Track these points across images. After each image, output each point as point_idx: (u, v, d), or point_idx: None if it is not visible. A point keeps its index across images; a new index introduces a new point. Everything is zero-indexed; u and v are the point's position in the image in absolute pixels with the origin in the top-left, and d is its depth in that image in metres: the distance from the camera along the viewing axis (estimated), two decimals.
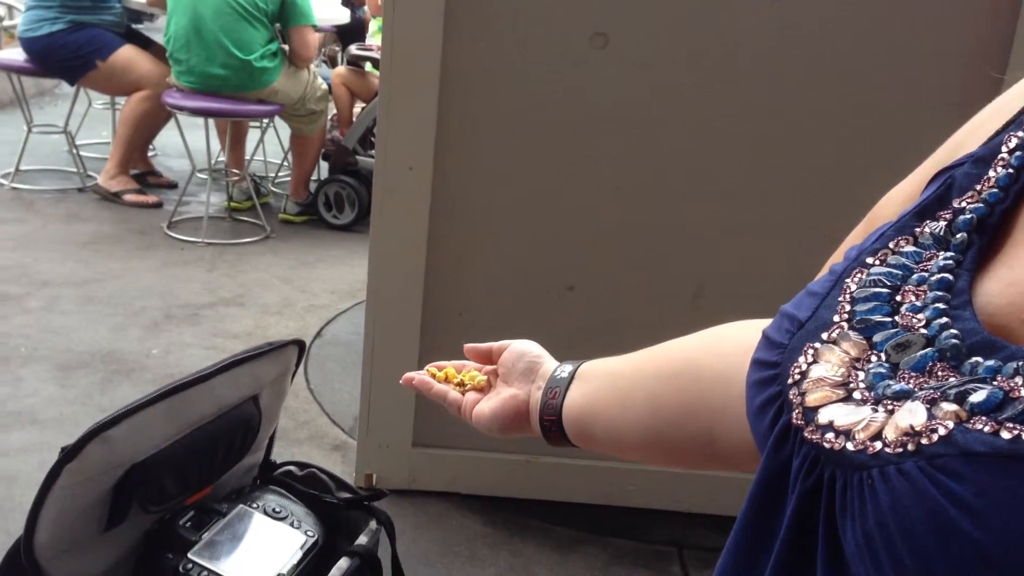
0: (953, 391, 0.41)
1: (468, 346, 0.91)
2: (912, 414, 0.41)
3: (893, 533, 0.39)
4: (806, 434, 0.46)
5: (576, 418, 0.79)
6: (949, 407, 0.40)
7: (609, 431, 0.77)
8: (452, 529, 2.39)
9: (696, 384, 0.69)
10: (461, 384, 0.88)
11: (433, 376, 0.89)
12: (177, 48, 4.12)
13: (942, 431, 0.40)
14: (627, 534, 2.42)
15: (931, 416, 0.41)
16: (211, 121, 4.39)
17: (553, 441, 0.82)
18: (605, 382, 0.78)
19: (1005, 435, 0.38)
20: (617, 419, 0.76)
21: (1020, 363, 0.40)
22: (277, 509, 1.31)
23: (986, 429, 0.38)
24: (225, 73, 4.11)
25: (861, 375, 0.46)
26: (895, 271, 0.48)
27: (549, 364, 0.85)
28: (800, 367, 0.48)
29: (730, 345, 0.58)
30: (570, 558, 2.33)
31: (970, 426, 0.39)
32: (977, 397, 0.40)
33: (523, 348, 0.87)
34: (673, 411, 0.71)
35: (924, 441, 0.40)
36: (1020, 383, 0.39)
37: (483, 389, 0.87)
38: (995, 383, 0.40)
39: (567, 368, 0.82)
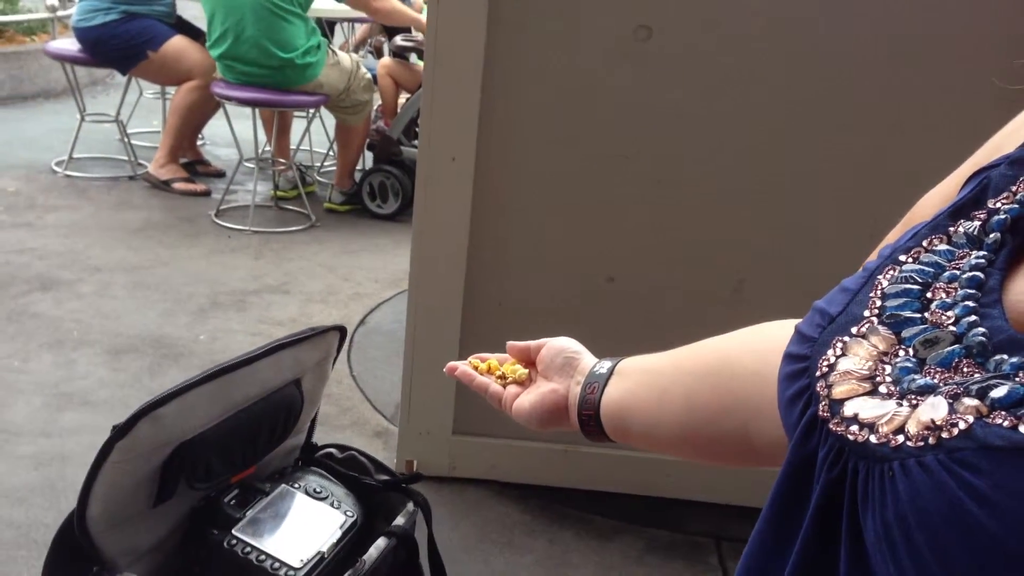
0: (975, 387, 0.41)
1: (511, 344, 0.92)
2: (934, 408, 0.42)
3: (911, 524, 0.40)
4: (831, 426, 0.47)
5: (614, 413, 0.80)
6: (971, 402, 0.41)
7: (646, 427, 0.77)
8: (490, 516, 2.41)
9: (732, 382, 0.70)
10: (503, 377, 0.89)
11: (475, 368, 0.91)
12: (220, 53, 4.18)
13: (962, 425, 0.40)
14: (665, 524, 2.42)
15: (952, 411, 0.41)
16: (258, 111, 4.45)
17: (591, 436, 0.82)
18: (643, 378, 0.79)
19: (1023, 429, 0.38)
20: (654, 415, 0.76)
21: None
22: (318, 489, 1.34)
23: (1005, 424, 0.39)
24: (269, 73, 4.15)
25: (888, 369, 0.46)
26: (927, 268, 0.49)
27: (588, 360, 0.85)
28: (828, 360, 0.49)
29: (768, 343, 0.59)
30: (607, 547, 2.34)
31: (990, 421, 0.39)
32: (998, 392, 0.40)
33: (562, 344, 0.88)
34: (709, 408, 0.72)
35: (944, 435, 0.41)
36: None
37: (524, 383, 0.88)
38: (1017, 379, 0.40)
39: (606, 364, 0.83)
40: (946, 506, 0.39)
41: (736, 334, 0.73)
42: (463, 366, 0.92)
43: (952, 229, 0.50)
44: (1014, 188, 0.49)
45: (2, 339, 3.04)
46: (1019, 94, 0.54)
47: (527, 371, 0.89)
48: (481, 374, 0.90)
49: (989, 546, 0.37)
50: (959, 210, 0.50)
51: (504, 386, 0.89)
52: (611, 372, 0.81)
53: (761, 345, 0.67)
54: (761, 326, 0.72)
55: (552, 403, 0.84)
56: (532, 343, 0.90)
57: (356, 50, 6.08)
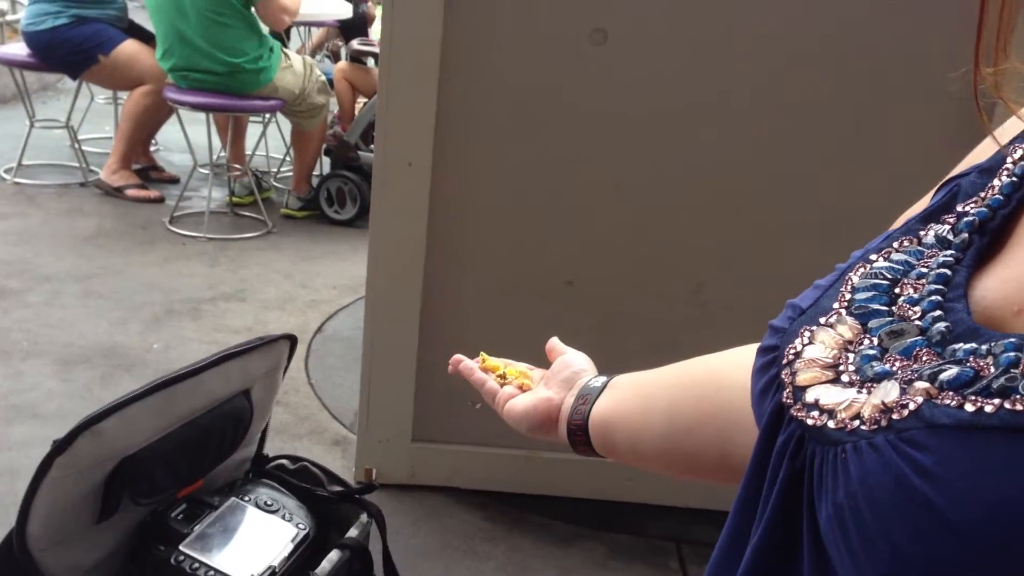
0: (928, 371, 0.42)
1: (553, 339, 0.93)
2: (886, 392, 0.43)
3: (860, 503, 0.41)
4: (793, 412, 0.47)
5: (601, 425, 0.81)
6: (921, 385, 0.42)
7: (629, 439, 0.78)
8: (451, 524, 2.39)
9: (715, 394, 0.70)
10: (502, 377, 0.90)
11: (483, 362, 0.92)
12: (169, 61, 4.13)
13: (912, 406, 0.41)
14: (626, 529, 2.42)
15: (903, 393, 0.42)
16: (212, 116, 4.39)
17: (579, 448, 0.83)
18: (631, 391, 0.80)
19: (969, 408, 0.39)
20: (637, 427, 0.77)
21: (992, 344, 0.41)
22: (269, 502, 1.31)
23: (952, 403, 0.40)
24: (222, 79, 4.11)
25: (852, 357, 0.47)
26: (896, 266, 0.50)
27: (588, 376, 0.87)
28: (795, 348, 0.50)
29: (752, 359, 0.59)
30: (569, 552, 2.33)
31: (939, 402, 0.41)
32: (947, 375, 0.41)
33: (574, 359, 0.89)
34: (690, 419, 0.72)
35: (895, 416, 0.42)
36: (991, 362, 0.41)
37: (523, 388, 0.89)
38: (968, 364, 0.41)
39: (601, 378, 0.84)
40: (893, 482, 0.40)
41: (728, 352, 0.74)
42: (467, 361, 0.93)
43: (922, 232, 0.51)
44: (983, 194, 0.50)
45: None
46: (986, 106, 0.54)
47: (530, 376, 0.90)
48: (483, 370, 0.92)
49: (933, 519, 0.38)
50: (929, 215, 0.52)
51: (501, 385, 0.90)
52: (604, 386, 0.83)
53: (746, 360, 0.68)
54: (752, 346, 0.72)
55: (545, 411, 0.85)
56: (559, 346, 0.92)
57: (313, 54, 6.03)
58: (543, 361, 0.92)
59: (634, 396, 0.79)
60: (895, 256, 0.51)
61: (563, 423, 0.84)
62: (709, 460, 0.71)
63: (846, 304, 0.50)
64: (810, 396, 0.47)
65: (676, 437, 0.73)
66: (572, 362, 0.88)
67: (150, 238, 4.11)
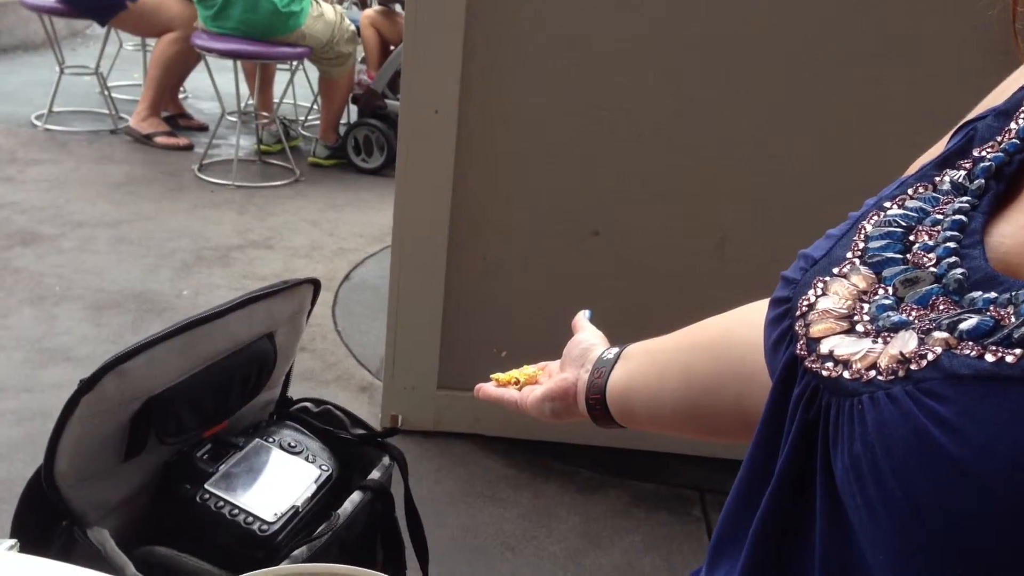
0: (946, 321, 0.41)
1: (579, 315, 0.94)
2: (904, 342, 0.42)
3: (878, 454, 0.40)
4: (808, 364, 0.47)
5: (619, 395, 0.81)
6: (940, 335, 0.41)
7: (648, 405, 0.79)
8: (476, 470, 2.42)
9: (728, 352, 0.71)
10: (516, 382, 0.92)
11: (497, 381, 0.94)
12: (211, 14, 4.12)
13: (930, 357, 0.41)
14: (649, 477, 2.44)
15: (922, 343, 0.41)
16: (240, 63, 4.39)
17: (599, 421, 0.83)
18: (645, 359, 0.80)
19: (989, 358, 0.38)
20: (654, 393, 0.78)
21: (1013, 293, 0.40)
22: (292, 444, 1.33)
23: (972, 354, 0.39)
24: (250, 26, 4.09)
25: (866, 307, 0.46)
26: (911, 214, 0.49)
27: (600, 350, 0.87)
28: (808, 299, 0.49)
29: (763, 316, 0.59)
30: (592, 500, 2.35)
31: (958, 352, 0.40)
32: (967, 325, 0.40)
33: (583, 336, 0.89)
34: (706, 380, 0.73)
35: (913, 367, 0.41)
36: (1011, 312, 0.40)
37: (538, 383, 0.91)
38: (988, 313, 0.40)
39: (614, 350, 0.84)
40: (911, 434, 0.39)
41: (736, 311, 0.74)
42: (486, 387, 0.95)
43: (938, 178, 0.50)
44: (999, 138, 0.49)
45: None
46: (1007, 58, 0.52)
47: (543, 372, 0.92)
48: (501, 386, 0.94)
49: (952, 470, 0.37)
50: (945, 160, 0.51)
51: (519, 390, 0.91)
52: (618, 357, 0.83)
53: (758, 318, 0.67)
54: (761, 302, 0.71)
55: (561, 390, 0.86)
56: (580, 323, 0.93)
57: (340, 1, 5.98)
58: (561, 317, 0.93)
59: (648, 363, 0.79)
60: (910, 203, 0.49)
61: (581, 398, 0.84)
62: (727, 419, 0.71)
63: (860, 253, 0.49)
64: (824, 347, 0.46)
65: (693, 398, 0.74)
66: (582, 339, 0.89)
67: (179, 185, 4.14)
